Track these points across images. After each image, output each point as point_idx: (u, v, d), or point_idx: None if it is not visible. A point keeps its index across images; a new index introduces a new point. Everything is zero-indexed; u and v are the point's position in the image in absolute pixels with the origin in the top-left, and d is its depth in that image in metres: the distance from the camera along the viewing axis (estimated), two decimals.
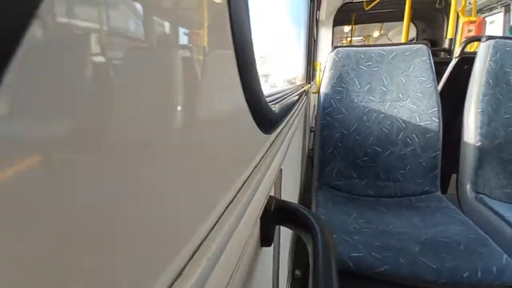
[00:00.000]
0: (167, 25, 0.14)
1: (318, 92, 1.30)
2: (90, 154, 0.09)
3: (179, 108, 0.15)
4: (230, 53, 0.21)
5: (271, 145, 0.38)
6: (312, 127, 1.39)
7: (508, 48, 1.15)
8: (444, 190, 1.57)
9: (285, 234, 0.64)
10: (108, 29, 0.10)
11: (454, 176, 1.29)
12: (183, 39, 0.15)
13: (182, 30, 0.15)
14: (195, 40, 0.16)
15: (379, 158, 1.17)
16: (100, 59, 0.10)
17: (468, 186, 1.12)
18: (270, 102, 0.43)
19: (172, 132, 0.14)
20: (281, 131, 0.48)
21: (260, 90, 0.28)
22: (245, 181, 0.26)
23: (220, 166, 0.21)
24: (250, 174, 0.28)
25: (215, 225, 0.19)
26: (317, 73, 3.30)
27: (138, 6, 0.12)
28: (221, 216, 0.20)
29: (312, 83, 2.42)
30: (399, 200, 1.09)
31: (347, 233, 0.83)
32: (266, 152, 0.35)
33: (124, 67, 0.11)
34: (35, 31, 0.07)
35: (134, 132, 0.11)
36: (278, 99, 0.50)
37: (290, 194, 0.78)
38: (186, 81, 0.15)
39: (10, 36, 0.06)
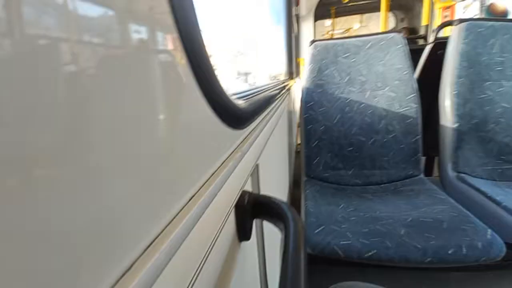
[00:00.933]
0: (104, 25, 0.14)
1: (301, 87, 1.32)
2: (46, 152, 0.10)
3: (128, 106, 0.15)
4: (181, 56, 0.21)
5: (242, 140, 0.39)
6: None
7: (480, 29, 1.19)
8: (430, 173, 1.61)
9: (272, 230, 0.65)
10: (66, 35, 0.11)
11: (437, 158, 1.33)
12: (118, 36, 0.15)
13: (117, 25, 0.15)
14: (133, 37, 0.16)
15: (363, 147, 1.20)
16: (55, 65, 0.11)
17: (449, 167, 1.15)
18: (240, 98, 0.44)
19: (124, 126, 0.15)
20: (255, 126, 0.48)
21: (220, 86, 0.28)
22: (210, 176, 0.26)
23: (178, 162, 0.21)
24: (216, 170, 0.28)
25: (173, 220, 0.19)
26: (301, 68, 3.32)
27: (81, 11, 0.12)
28: (180, 211, 0.20)
29: (296, 78, 2.44)
30: (385, 187, 1.11)
31: (336, 222, 0.84)
32: (236, 148, 0.35)
33: (78, 72, 0.12)
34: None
35: (84, 129, 0.12)
36: (249, 96, 0.50)
37: (276, 189, 0.79)
38: (128, 82, 0.16)
39: None
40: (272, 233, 0.63)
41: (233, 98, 0.34)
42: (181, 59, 0.21)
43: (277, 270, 0.77)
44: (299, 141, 1.46)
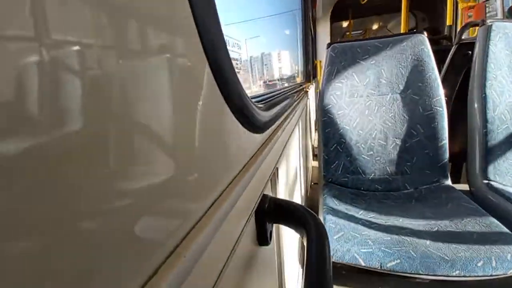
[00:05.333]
0: (131, 31, 0.14)
1: (319, 90, 1.30)
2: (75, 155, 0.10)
3: (152, 111, 0.16)
4: (203, 60, 0.21)
5: (262, 144, 0.39)
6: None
7: (507, 30, 1.13)
8: (457, 180, 1.53)
9: (291, 234, 0.64)
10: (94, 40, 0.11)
11: (465, 165, 1.26)
12: (144, 45, 0.16)
13: (143, 35, 0.15)
14: (158, 45, 0.17)
15: (384, 152, 1.16)
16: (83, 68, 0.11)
17: (478, 174, 1.09)
18: (259, 102, 0.44)
19: (145, 132, 0.15)
20: (274, 130, 0.48)
21: (242, 90, 0.28)
22: (232, 180, 0.26)
23: (202, 166, 0.21)
24: (238, 174, 0.28)
25: (195, 225, 0.19)
26: (318, 71, 3.28)
27: (103, 15, 0.12)
28: (203, 216, 0.20)
29: (313, 81, 2.42)
30: (408, 193, 1.07)
31: (356, 229, 0.82)
32: (256, 152, 0.35)
33: (105, 75, 0.12)
34: None
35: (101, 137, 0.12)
36: (268, 100, 0.50)
37: (293, 193, 0.78)
38: (149, 89, 0.16)
39: None
40: (289, 238, 0.62)
41: (253, 102, 0.34)
42: (203, 64, 0.21)
43: (294, 275, 0.75)
44: (317, 144, 1.44)
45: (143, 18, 0.15)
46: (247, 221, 0.29)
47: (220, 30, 0.24)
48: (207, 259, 0.19)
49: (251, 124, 0.32)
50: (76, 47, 0.11)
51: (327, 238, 0.28)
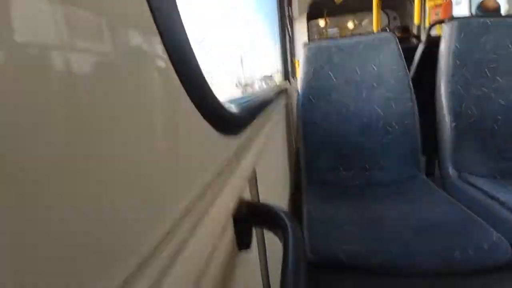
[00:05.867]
0: (87, 27, 0.13)
1: (298, 90, 1.31)
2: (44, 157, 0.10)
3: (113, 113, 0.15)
4: (165, 62, 0.20)
5: (238, 147, 0.38)
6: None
7: (472, 27, 1.18)
8: (432, 172, 1.60)
9: (274, 237, 0.64)
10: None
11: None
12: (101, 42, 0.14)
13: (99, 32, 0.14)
14: (116, 45, 0.15)
15: (363, 148, 1.19)
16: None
17: (450, 166, 1.14)
18: (235, 104, 0.43)
19: (114, 138, 0.14)
20: (251, 132, 0.48)
21: (212, 94, 0.28)
22: (205, 186, 0.26)
23: (171, 173, 0.20)
24: (211, 179, 0.27)
25: (167, 234, 0.19)
26: (297, 70, 3.32)
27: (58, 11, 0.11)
28: (174, 224, 0.20)
29: (292, 80, 2.44)
30: (386, 188, 1.10)
31: (337, 226, 0.83)
32: (231, 155, 0.35)
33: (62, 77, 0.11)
34: None
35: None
36: (245, 102, 0.50)
37: (276, 194, 0.78)
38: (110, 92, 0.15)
39: None
40: (274, 241, 0.62)
41: (225, 104, 0.33)
42: (166, 67, 0.20)
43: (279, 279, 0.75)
44: (298, 144, 1.45)
45: (96, 22, 0.14)
46: (224, 227, 0.28)
47: (183, 27, 0.23)
48: (179, 269, 0.18)
49: (225, 127, 0.32)
50: (27, 48, 0.10)
51: (303, 241, 0.28)
